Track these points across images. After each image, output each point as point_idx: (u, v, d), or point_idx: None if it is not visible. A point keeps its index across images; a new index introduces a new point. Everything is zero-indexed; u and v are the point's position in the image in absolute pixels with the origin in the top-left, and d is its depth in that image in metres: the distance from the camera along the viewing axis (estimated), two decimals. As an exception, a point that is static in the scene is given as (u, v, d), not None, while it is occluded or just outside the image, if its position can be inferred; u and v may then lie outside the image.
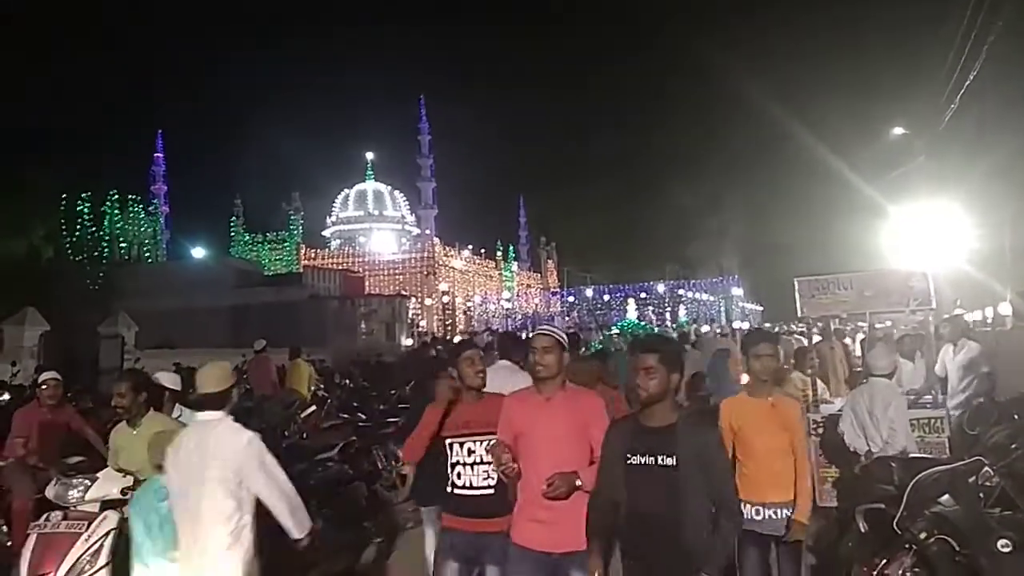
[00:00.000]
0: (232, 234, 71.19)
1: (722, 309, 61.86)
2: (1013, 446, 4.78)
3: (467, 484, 3.61)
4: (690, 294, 64.92)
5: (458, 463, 3.64)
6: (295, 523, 3.54)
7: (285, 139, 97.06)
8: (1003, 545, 3.55)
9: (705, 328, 24.55)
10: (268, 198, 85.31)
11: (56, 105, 78.37)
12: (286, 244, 70.38)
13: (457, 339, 23.74)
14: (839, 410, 6.30)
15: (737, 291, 64.27)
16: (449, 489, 3.66)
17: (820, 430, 6.98)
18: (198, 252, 56.09)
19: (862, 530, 4.26)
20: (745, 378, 4.53)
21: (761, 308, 66.49)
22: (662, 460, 2.99)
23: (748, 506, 3.81)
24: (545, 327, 3.66)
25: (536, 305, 73.31)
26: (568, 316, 61.96)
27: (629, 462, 3.03)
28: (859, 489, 5.08)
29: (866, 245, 22.28)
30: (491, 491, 3.56)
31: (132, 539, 3.61)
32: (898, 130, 22.25)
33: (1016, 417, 5.56)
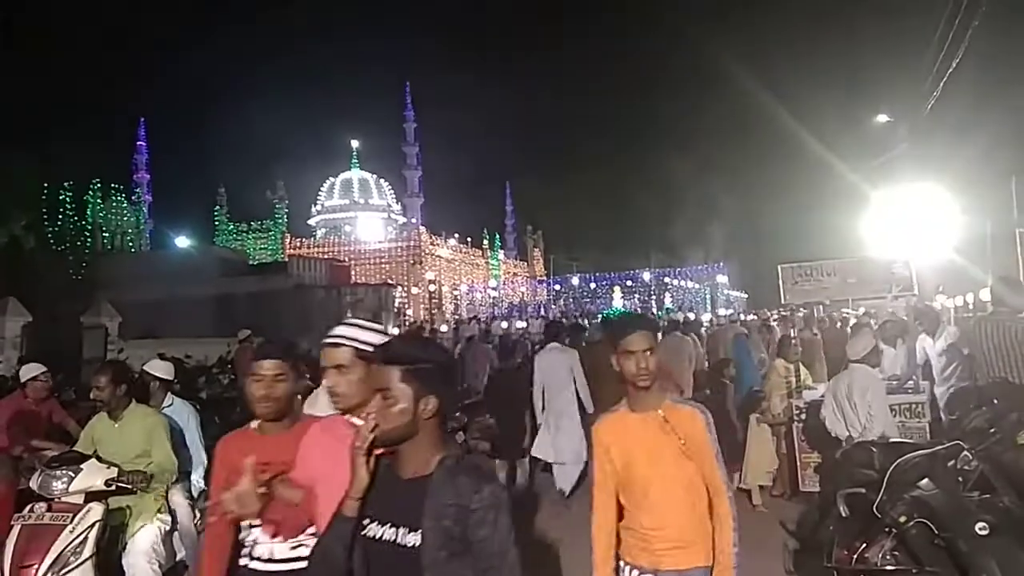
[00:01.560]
0: (216, 223, 70.64)
1: (707, 297, 62.17)
2: (992, 430, 4.83)
3: None
4: (676, 282, 65.15)
5: None
6: None
7: (269, 127, 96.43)
8: (981, 528, 3.60)
9: (691, 315, 24.61)
10: (252, 187, 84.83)
11: (36, 94, 77.30)
12: (271, 233, 69.90)
13: (443, 328, 23.71)
14: (821, 396, 6.38)
15: (722, 278, 64.56)
16: None
17: (803, 416, 7.06)
18: (182, 241, 55.57)
19: (843, 514, 4.31)
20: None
21: (746, 295, 66.84)
22: (402, 537, 1.90)
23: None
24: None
25: (523, 293, 73.33)
26: (555, 304, 62.01)
27: (365, 533, 1.95)
28: (840, 474, 5.14)
29: (850, 232, 22.31)
30: None
31: None
32: (882, 117, 22.33)
33: (995, 401, 5.61)
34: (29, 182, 38.68)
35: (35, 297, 17.14)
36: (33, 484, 4.22)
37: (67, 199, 45.62)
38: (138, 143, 63.64)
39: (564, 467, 7.49)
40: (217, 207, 70.90)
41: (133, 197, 59.04)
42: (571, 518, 6.62)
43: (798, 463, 7.12)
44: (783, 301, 8.03)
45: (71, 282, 37.42)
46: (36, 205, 41.58)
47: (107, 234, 53.17)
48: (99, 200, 52.74)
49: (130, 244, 55.94)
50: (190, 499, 4.99)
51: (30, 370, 6.45)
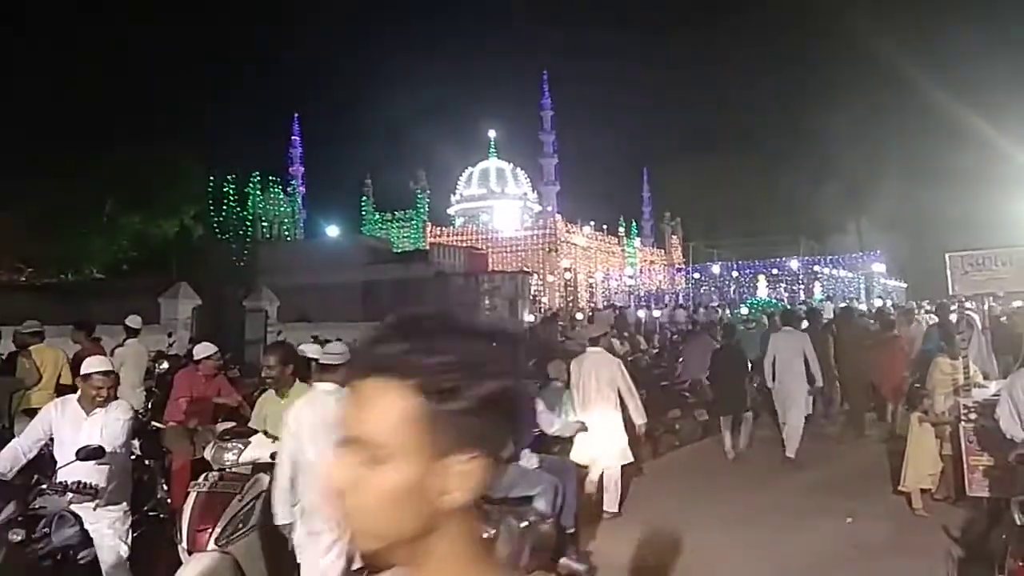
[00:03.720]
0: (363, 213, 73.74)
1: (862, 286, 58.68)
2: None
3: None
4: (826, 270, 61.90)
5: None
6: None
7: (412, 119, 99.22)
8: None
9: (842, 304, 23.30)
10: (396, 178, 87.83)
11: (200, 93, 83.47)
12: (413, 222, 72.21)
13: (579, 316, 23.72)
14: (995, 394, 5.90)
15: (879, 267, 60.68)
16: None
17: (973, 416, 6.55)
18: (332, 230, 58.63)
19: (1017, 522, 3.98)
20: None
21: (905, 285, 62.59)
22: None
23: None
24: None
25: (660, 282, 72.13)
26: (694, 293, 60.59)
27: None
28: (1015, 479, 4.76)
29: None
30: None
31: None
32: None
33: None
34: (196, 176, 42.01)
35: (203, 282, 18.50)
36: (207, 455, 4.57)
37: (230, 191, 48.98)
38: (293, 137, 67.48)
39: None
40: (364, 197, 74.06)
41: (288, 189, 62.75)
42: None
43: (965, 465, 6.61)
44: (952, 292, 7.43)
45: (234, 268, 40.23)
46: (203, 197, 45.09)
47: (266, 223, 56.82)
48: (258, 192, 56.35)
49: (286, 233, 59.53)
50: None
51: (203, 349, 7.01)
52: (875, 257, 58.62)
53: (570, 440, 6.29)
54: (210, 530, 4.22)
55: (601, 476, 6.88)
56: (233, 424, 5.34)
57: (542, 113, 73.34)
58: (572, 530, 5.54)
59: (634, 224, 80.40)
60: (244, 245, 47.08)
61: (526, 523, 3.32)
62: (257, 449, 4.41)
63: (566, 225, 67.53)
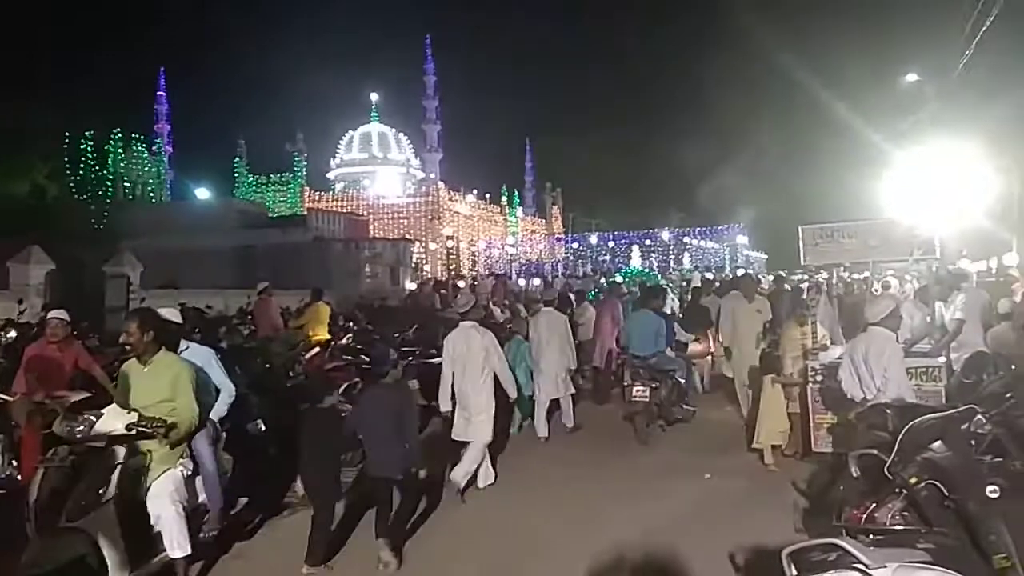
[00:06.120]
0: (236, 175, 70.73)
1: (727, 257, 61.71)
2: (1008, 395, 4.82)
3: None
4: (695, 242, 64.65)
5: None
6: None
7: (289, 80, 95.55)
8: (991, 491, 3.59)
9: (708, 275, 24.45)
10: (272, 139, 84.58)
11: (56, 42, 77.14)
12: (290, 186, 69.91)
13: (461, 284, 23.79)
14: (838, 358, 6.37)
15: (742, 239, 63.97)
16: None
17: (819, 378, 7.06)
18: (202, 193, 55.85)
19: (854, 475, 4.32)
20: None
21: (766, 256, 66.28)
22: None
23: None
24: None
25: (540, 251, 73.19)
26: (572, 263, 61.86)
27: None
28: (854, 435, 5.16)
29: (874, 195, 22.07)
30: None
31: None
32: (911, 76, 21.86)
33: (1012, 367, 5.59)
34: (50, 132, 38.86)
35: (58, 245, 17.27)
36: (56, 428, 4.31)
37: (88, 149, 45.80)
38: (158, 93, 63.57)
39: None
40: (237, 159, 70.94)
41: (154, 148, 59.19)
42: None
43: (811, 424, 7.14)
44: (803, 262, 7.96)
45: (93, 231, 37.80)
46: (58, 154, 41.82)
47: (128, 184, 53.47)
48: (120, 150, 52.92)
49: (151, 194, 56.26)
50: (213, 444, 5.12)
51: (48, 315, 6.61)
52: (739, 230, 61.74)
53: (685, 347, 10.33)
54: (60, 506, 4.00)
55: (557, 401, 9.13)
56: (88, 395, 5.05)
57: (425, 78, 72.37)
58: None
59: (516, 194, 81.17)
60: (104, 206, 44.23)
61: (672, 380, 8.99)
62: (111, 420, 4.19)
63: (449, 193, 67.31)
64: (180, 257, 29.11)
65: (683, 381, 9.41)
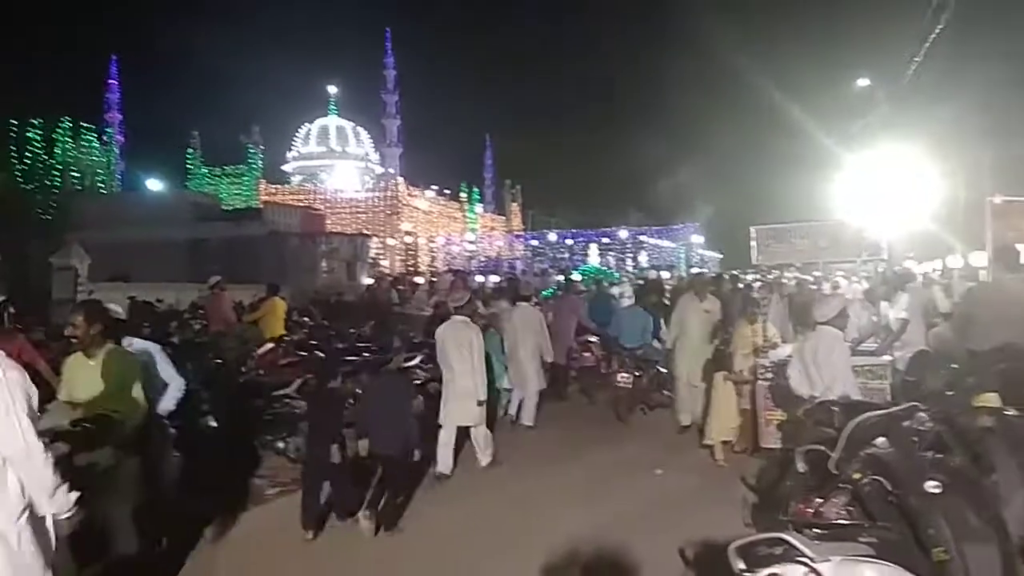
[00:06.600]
0: (189, 167, 69.40)
1: (682, 256, 62.49)
2: (949, 393, 4.97)
3: None
4: (652, 240, 65.36)
5: None
6: None
7: (246, 70, 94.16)
8: (933, 486, 3.69)
9: (665, 274, 24.74)
10: (227, 131, 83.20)
11: (2, 25, 74.73)
12: (245, 178, 68.84)
13: (419, 280, 23.70)
14: (788, 356, 6.50)
15: (697, 239, 64.88)
16: None
17: (768, 375, 7.19)
18: (153, 184, 54.64)
19: (801, 470, 4.42)
20: None
21: (720, 256, 67.29)
22: None
23: None
24: None
25: (499, 248, 73.25)
26: (532, 260, 62.06)
27: None
28: (801, 431, 5.27)
29: (826, 196, 22.55)
30: None
31: None
32: (862, 81, 22.38)
33: (953, 365, 5.76)
34: (-4, 117, 37.76)
35: (3, 236, 16.79)
36: (-2, 424, 4.18)
37: (35, 137, 44.49)
38: (110, 82, 62.01)
39: None
40: (190, 150, 69.62)
41: (104, 137, 57.75)
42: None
43: (761, 420, 7.27)
44: (754, 262, 8.13)
45: (40, 222, 36.74)
46: (3, 141, 40.58)
47: (77, 174, 52.07)
48: (68, 139, 51.52)
49: (101, 185, 54.88)
50: (162, 438, 5.03)
51: (-13, 300, 6.43)
52: (694, 229, 62.63)
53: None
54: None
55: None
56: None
57: (385, 72, 71.93)
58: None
59: (476, 190, 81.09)
60: (52, 197, 43.01)
61: (655, 370, 9.92)
62: (55, 416, 4.09)
63: (408, 188, 66.92)
64: (131, 250, 28.48)
65: (664, 371, 9.86)
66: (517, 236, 76.10)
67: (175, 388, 5.33)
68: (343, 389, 6.25)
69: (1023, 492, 4.22)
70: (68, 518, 3.04)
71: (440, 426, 7.24)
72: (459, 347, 7.22)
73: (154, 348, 5.43)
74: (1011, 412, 4.72)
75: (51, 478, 2.92)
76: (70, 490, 3.01)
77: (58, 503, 2.98)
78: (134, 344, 5.27)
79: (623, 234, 63.09)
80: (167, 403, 5.26)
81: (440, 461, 7.08)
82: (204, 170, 69.46)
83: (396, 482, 5.78)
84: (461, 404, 7.23)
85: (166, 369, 5.33)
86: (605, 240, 63.12)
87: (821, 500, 4.13)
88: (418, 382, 8.04)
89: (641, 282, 14.78)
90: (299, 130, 73.85)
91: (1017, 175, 16.44)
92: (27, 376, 2.93)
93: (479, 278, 33.25)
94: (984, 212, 15.26)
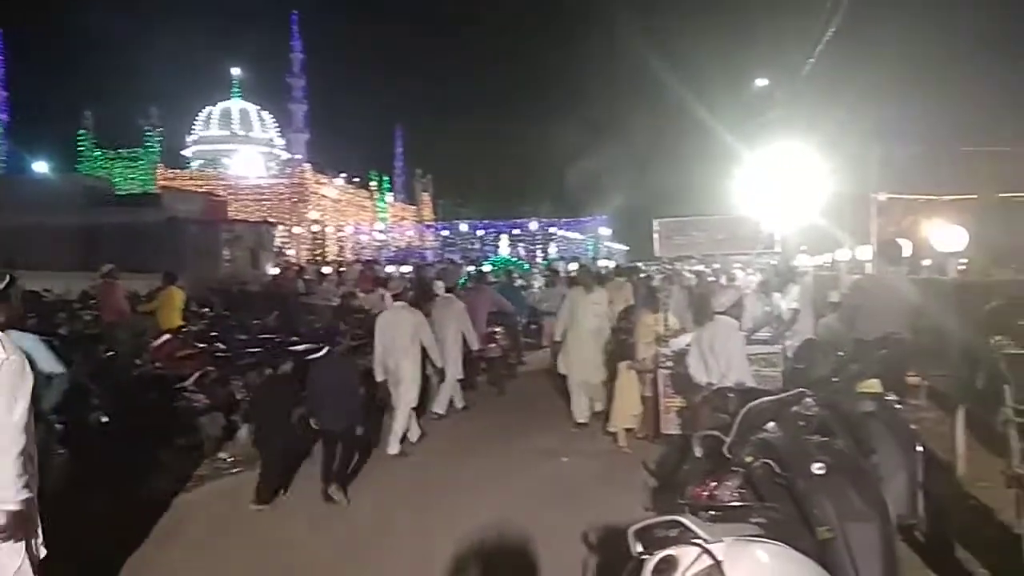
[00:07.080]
0: (80, 149, 65.83)
1: (590, 248, 63.57)
2: (834, 380, 5.24)
3: None
4: (561, 232, 66.20)
5: None
6: None
7: (143, 48, 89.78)
8: (818, 468, 3.88)
9: (573, 265, 25.11)
10: (123, 112, 79.25)
11: None
12: (141, 162, 65.82)
13: (326, 270, 23.27)
14: (688, 345, 6.71)
15: (605, 231, 66.14)
16: None
17: (669, 363, 7.42)
18: (40, 166, 51.55)
19: (698, 455, 4.58)
20: None
21: (627, 248, 68.78)
22: None
23: None
24: None
25: (410, 238, 72.66)
26: (442, 251, 61.82)
27: None
28: (699, 417, 5.47)
29: (727, 192, 23.44)
30: None
31: None
32: (761, 81, 23.34)
33: (839, 353, 6.08)
34: None
35: None
36: None
37: (-95, 113, 41.25)
38: (-9, 56, 58.04)
39: None
40: (82, 131, 66.00)
41: (-15, 115, 54.05)
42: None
43: (662, 407, 7.49)
44: (656, 254, 8.34)
45: (-89, 205, 34.09)
46: None
47: (-46, 154, 48.62)
48: (-56, 116, 48.02)
49: (-19, 166, 51.40)
50: (45, 433, 4.77)
51: None
52: (602, 222, 63.84)
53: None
54: None
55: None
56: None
57: (292, 55, 69.95)
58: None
59: (387, 179, 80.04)
60: (-75, 178, 39.98)
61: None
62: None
63: (316, 175, 65.43)
64: (16, 236, 26.78)
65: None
66: (428, 226, 75.69)
67: (58, 381, 5.04)
68: (289, 374, 6.70)
69: (902, 473, 4.51)
70: None
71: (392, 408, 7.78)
72: (402, 333, 7.66)
73: (32, 339, 5.10)
74: (891, 397, 5.04)
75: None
76: None
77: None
78: (11, 335, 4.95)
79: (533, 226, 63.64)
80: (51, 397, 4.98)
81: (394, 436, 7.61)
82: (97, 152, 66.06)
83: (343, 456, 6.26)
84: (406, 388, 7.69)
85: (48, 361, 5.03)
86: (516, 231, 63.52)
87: (715, 483, 4.28)
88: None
89: (547, 274, 15.15)
90: (200, 113, 71.12)
91: (900, 173, 17.46)
92: None
93: (389, 268, 32.88)
94: (869, 208, 16.14)
